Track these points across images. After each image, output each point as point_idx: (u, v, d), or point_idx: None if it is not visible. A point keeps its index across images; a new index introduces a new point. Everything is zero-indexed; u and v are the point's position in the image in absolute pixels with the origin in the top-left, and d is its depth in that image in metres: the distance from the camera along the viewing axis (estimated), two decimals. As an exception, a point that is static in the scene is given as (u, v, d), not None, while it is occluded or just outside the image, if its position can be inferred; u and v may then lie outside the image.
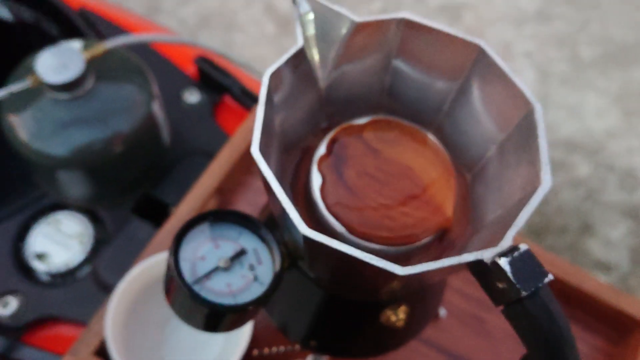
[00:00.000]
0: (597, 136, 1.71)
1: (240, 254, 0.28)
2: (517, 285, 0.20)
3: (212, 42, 1.73)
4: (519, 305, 0.21)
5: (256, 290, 0.28)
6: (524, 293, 0.20)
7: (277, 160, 0.26)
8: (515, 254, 0.21)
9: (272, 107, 0.24)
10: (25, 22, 0.73)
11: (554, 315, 0.21)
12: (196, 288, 0.27)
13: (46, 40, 0.72)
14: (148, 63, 0.58)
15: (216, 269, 0.28)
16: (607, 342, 0.50)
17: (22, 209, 0.56)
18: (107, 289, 0.52)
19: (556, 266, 0.49)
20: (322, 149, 0.28)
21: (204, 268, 0.28)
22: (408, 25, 0.26)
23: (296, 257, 0.29)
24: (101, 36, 0.68)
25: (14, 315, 0.51)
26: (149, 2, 1.78)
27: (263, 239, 0.30)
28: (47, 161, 0.51)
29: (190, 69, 0.67)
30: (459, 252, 0.26)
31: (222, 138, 0.62)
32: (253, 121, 0.53)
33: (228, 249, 0.29)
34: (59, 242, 0.55)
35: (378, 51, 0.28)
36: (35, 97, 0.50)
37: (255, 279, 0.28)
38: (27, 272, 0.54)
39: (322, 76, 0.27)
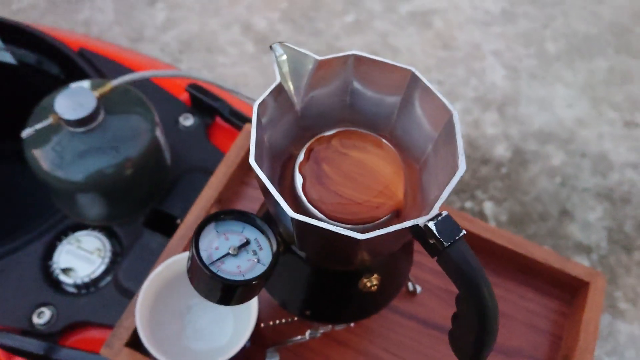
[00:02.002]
0: (568, 125, 1.80)
1: (246, 244, 0.37)
2: (441, 239, 0.29)
3: (194, 64, 1.82)
4: (444, 254, 0.29)
5: (259, 269, 0.36)
6: (446, 244, 0.29)
7: (268, 167, 0.35)
8: (439, 218, 0.29)
9: (261, 127, 0.33)
10: (27, 65, 0.80)
11: (468, 259, 0.29)
12: (213, 268, 0.35)
13: (47, 79, 0.80)
14: (146, 93, 0.66)
15: (227, 255, 0.36)
16: (561, 303, 0.59)
17: (46, 231, 0.64)
18: (127, 294, 0.60)
19: (511, 241, 0.57)
20: (301, 156, 0.36)
21: (217, 254, 0.36)
22: (358, 59, 0.35)
23: (289, 242, 0.38)
24: (101, 73, 0.76)
25: (48, 324, 0.59)
26: (131, 32, 1.86)
27: (262, 230, 0.38)
28: (67, 186, 0.59)
29: (184, 95, 0.75)
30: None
31: (216, 155, 0.70)
32: (244, 139, 0.61)
33: (235, 239, 0.37)
34: (81, 257, 0.63)
35: (338, 79, 0.36)
36: (55, 132, 0.58)
37: (258, 261, 0.37)
38: (56, 285, 0.62)
39: (297, 101, 0.36)
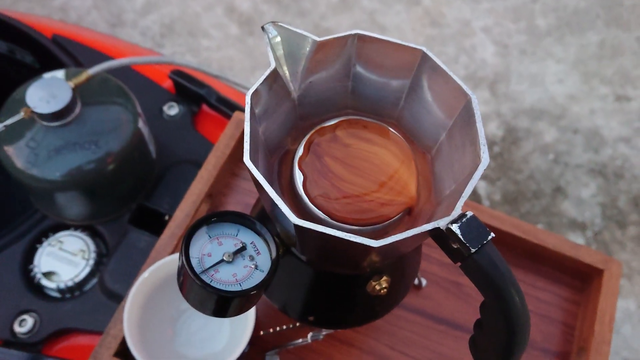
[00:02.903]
0: (559, 101, 1.78)
1: (242, 249, 0.33)
2: (467, 244, 0.25)
3: (178, 49, 1.76)
4: (470, 260, 0.26)
5: (258, 277, 0.33)
6: (472, 250, 0.25)
7: (264, 163, 0.31)
8: (464, 220, 0.26)
9: (255, 120, 0.29)
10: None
11: (497, 264, 0.26)
12: (205, 278, 0.31)
13: (21, 69, 0.76)
14: (126, 82, 0.61)
15: (221, 262, 0.33)
16: (572, 290, 0.56)
17: (25, 233, 0.60)
18: (114, 297, 0.56)
19: (519, 228, 0.54)
20: (300, 150, 0.32)
21: (210, 262, 0.33)
22: (361, 39, 0.31)
23: (289, 244, 0.34)
24: (77, 61, 0.71)
25: (31, 332, 0.55)
26: (110, 17, 1.79)
27: (258, 233, 0.34)
28: (45, 185, 0.55)
29: (167, 83, 0.70)
30: (426, 223, 0.31)
31: (204, 145, 0.66)
32: (234, 128, 0.57)
33: (229, 244, 0.34)
34: (64, 259, 0.59)
35: (339, 62, 0.32)
36: (28, 127, 0.53)
37: (256, 267, 0.33)
38: (38, 290, 0.58)
39: (294, 88, 0.32)
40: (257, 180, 0.26)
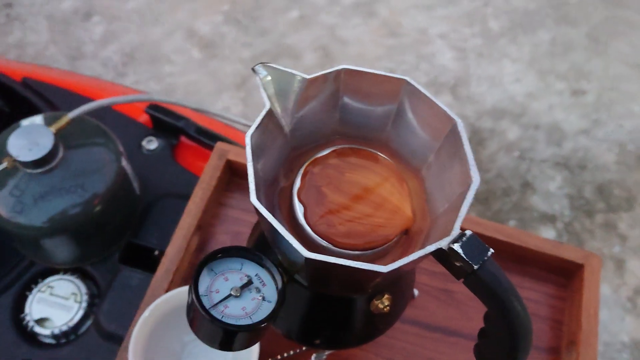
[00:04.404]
0: (519, 100, 1.83)
1: (248, 283, 0.34)
2: (470, 262, 0.27)
3: (140, 77, 1.75)
4: (473, 276, 0.28)
5: (267, 308, 0.34)
6: (475, 267, 0.27)
7: (265, 199, 0.32)
8: (464, 239, 0.27)
9: (256, 160, 0.30)
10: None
11: (499, 278, 0.28)
12: (216, 314, 0.32)
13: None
14: (103, 120, 0.61)
15: (229, 297, 0.34)
16: (557, 287, 0.58)
17: (13, 281, 0.59)
18: (111, 338, 0.56)
19: (502, 232, 0.57)
20: (298, 182, 0.33)
21: (218, 297, 0.33)
22: (348, 73, 0.33)
23: (292, 272, 0.35)
24: (51, 103, 0.71)
25: (28, 382, 0.54)
26: (69, 50, 1.77)
27: (261, 265, 0.35)
28: (32, 232, 0.55)
29: (143, 117, 0.71)
30: (423, 242, 0.33)
31: (186, 177, 0.67)
32: (217, 159, 0.58)
33: (235, 279, 0.34)
34: (55, 304, 0.58)
35: (327, 95, 0.34)
36: (11, 176, 0.53)
37: (264, 298, 0.34)
38: (31, 339, 0.57)
39: (286, 123, 0.33)
40: (266, 219, 0.28)
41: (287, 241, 0.27)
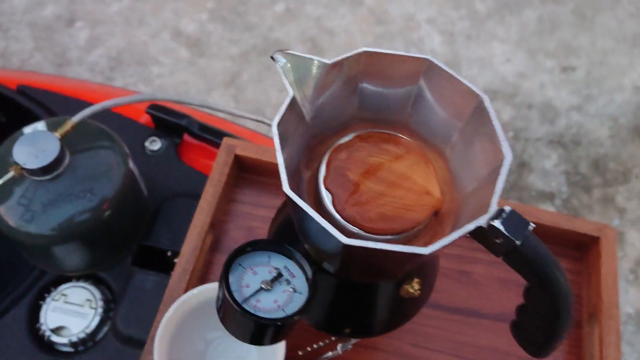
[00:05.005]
0: (510, 80, 1.83)
1: (278, 276, 0.34)
2: (512, 238, 0.27)
3: (129, 80, 1.73)
4: (514, 252, 0.27)
5: (299, 299, 0.33)
6: (518, 242, 0.27)
7: (292, 188, 0.31)
8: (504, 214, 0.27)
9: (285, 149, 0.29)
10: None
11: (542, 252, 0.27)
12: (249, 309, 0.32)
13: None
14: (104, 123, 0.60)
15: (260, 290, 0.33)
16: (572, 261, 0.58)
17: (26, 292, 0.58)
18: (130, 342, 0.56)
19: (519, 210, 0.56)
20: (323, 170, 0.33)
21: (249, 292, 0.33)
22: (368, 55, 0.32)
23: (320, 261, 0.35)
24: (47, 109, 0.70)
25: (48, 392, 0.54)
26: (54, 57, 1.75)
27: (289, 257, 0.35)
28: (42, 241, 0.54)
29: (144, 118, 0.70)
30: (454, 222, 0.32)
31: (192, 175, 0.66)
32: (225, 155, 0.57)
33: (264, 272, 0.34)
34: (71, 312, 0.57)
35: (346, 80, 0.33)
36: (18, 184, 0.52)
37: (295, 290, 0.34)
38: (49, 348, 0.56)
39: (307, 110, 0.33)
40: (300, 207, 0.27)
41: (323, 229, 0.27)
